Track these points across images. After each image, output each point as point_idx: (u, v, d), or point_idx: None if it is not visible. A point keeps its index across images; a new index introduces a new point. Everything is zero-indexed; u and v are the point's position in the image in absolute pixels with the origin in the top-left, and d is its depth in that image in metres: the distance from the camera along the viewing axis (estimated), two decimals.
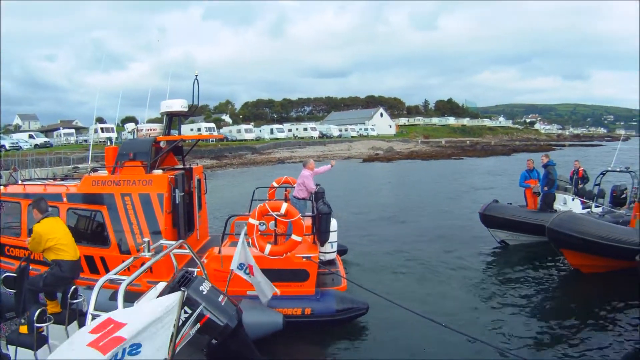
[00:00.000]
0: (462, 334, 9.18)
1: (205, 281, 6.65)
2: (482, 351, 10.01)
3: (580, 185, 21.88)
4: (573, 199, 20.28)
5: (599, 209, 20.51)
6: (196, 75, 13.02)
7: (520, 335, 11.29)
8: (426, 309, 11.65)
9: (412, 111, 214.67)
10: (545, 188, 18.80)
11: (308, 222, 12.73)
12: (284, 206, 11.35)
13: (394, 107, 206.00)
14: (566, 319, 12.24)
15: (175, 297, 5.24)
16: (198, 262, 7.52)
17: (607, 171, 22.44)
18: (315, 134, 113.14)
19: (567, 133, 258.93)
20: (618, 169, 22.08)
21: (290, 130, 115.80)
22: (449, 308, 12.76)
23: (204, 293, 6.36)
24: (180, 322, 5.73)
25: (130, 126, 14.49)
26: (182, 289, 5.91)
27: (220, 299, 6.59)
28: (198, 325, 6.20)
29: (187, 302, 5.98)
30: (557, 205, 19.45)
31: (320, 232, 12.18)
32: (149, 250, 6.54)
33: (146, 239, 6.73)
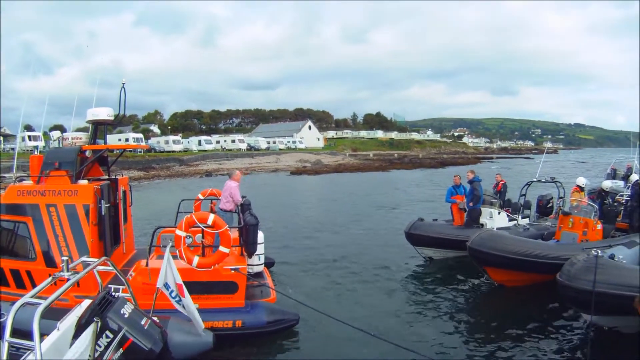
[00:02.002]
0: (391, 343, 9.33)
1: (127, 303, 6.53)
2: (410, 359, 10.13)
3: (507, 198, 22.24)
4: (499, 213, 20.50)
5: (526, 221, 20.91)
6: (123, 84, 12.81)
7: (446, 344, 11.55)
8: (355, 319, 11.77)
9: (341, 124, 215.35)
10: (471, 204, 19.01)
11: (235, 234, 12.60)
12: (211, 217, 11.29)
13: (322, 120, 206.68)
14: (490, 330, 12.58)
15: (86, 337, 5.20)
16: (123, 280, 7.43)
17: (533, 182, 22.76)
18: (243, 146, 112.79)
19: (494, 146, 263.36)
20: (543, 180, 22.48)
21: (218, 142, 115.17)
22: (377, 319, 12.85)
23: (126, 316, 6.21)
24: (103, 346, 5.69)
25: (55, 134, 14.06)
26: (95, 319, 5.80)
27: (143, 322, 6.48)
28: (121, 349, 6.08)
29: (107, 326, 5.88)
30: (484, 220, 19.73)
31: (248, 244, 12.11)
32: (67, 270, 6.20)
33: (65, 258, 6.41)
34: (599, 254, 11.09)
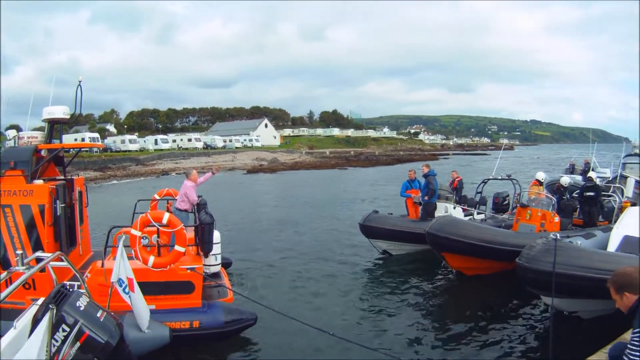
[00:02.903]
0: (351, 342, 9.26)
1: (83, 296, 6.39)
2: (372, 358, 10.11)
3: (463, 195, 22.34)
4: (454, 207, 20.55)
5: (481, 216, 21.04)
6: (80, 82, 12.60)
7: (408, 339, 11.52)
8: (314, 318, 11.79)
9: (297, 122, 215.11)
10: (426, 198, 19.09)
11: (191, 233, 12.51)
12: (166, 216, 11.17)
13: (279, 118, 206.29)
14: (452, 321, 12.69)
15: (41, 329, 5.10)
16: (78, 276, 7.29)
17: (489, 179, 23.05)
18: (200, 145, 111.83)
19: (451, 143, 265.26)
20: (500, 177, 22.69)
21: (174, 141, 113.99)
22: (336, 316, 12.86)
23: (81, 309, 6.04)
24: (60, 340, 5.57)
25: (11, 133, 13.76)
26: (50, 306, 5.67)
27: (99, 315, 6.34)
28: (78, 343, 5.94)
29: (63, 320, 5.75)
30: (439, 214, 19.44)
31: (203, 243, 11.96)
32: (22, 264, 6.09)
33: (19, 252, 6.30)
34: (558, 237, 11.18)
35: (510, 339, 11.57)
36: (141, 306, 9.66)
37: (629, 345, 4.81)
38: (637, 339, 4.70)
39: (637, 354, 4.67)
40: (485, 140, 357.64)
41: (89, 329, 6.00)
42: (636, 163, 27.27)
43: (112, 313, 6.96)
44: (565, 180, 20.51)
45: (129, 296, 9.55)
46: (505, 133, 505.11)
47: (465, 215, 20.56)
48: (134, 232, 10.76)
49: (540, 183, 19.73)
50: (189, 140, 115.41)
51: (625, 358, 4.79)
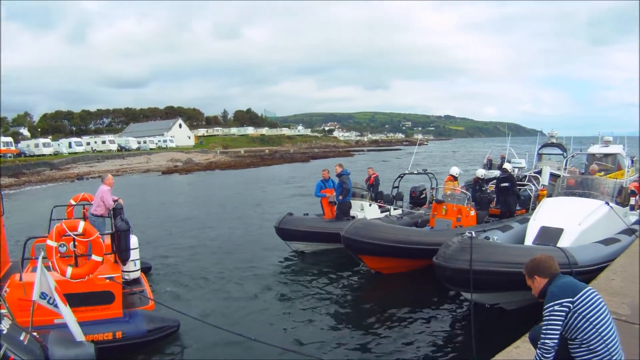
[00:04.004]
0: (273, 345, 9.18)
1: (5, 319, 6.21)
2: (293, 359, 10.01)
3: (380, 191, 22.38)
4: (370, 205, 20.61)
5: (398, 212, 21.06)
6: None
7: (329, 340, 11.36)
8: (234, 322, 11.74)
9: (211, 121, 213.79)
10: (341, 197, 18.97)
11: (109, 240, 12.16)
12: (81, 225, 10.59)
13: (193, 117, 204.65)
14: (374, 319, 12.58)
15: None
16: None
17: (405, 174, 23.15)
18: (114, 147, 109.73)
19: (365, 139, 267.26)
20: (416, 172, 22.81)
21: (88, 143, 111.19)
22: (256, 319, 12.62)
23: (4, 333, 5.92)
24: None
25: None
26: None
27: (22, 338, 6.19)
28: None
29: None
30: (355, 212, 19.68)
31: (120, 251, 11.53)
32: None
33: None
34: (473, 234, 11.31)
35: (434, 334, 11.58)
36: (71, 318, 9.44)
37: (542, 323, 5.20)
38: (547, 314, 5.08)
39: (546, 328, 5.06)
40: (400, 136, 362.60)
41: (13, 352, 5.84)
42: (551, 153, 27.97)
43: (35, 334, 6.79)
44: (481, 172, 20.70)
45: (58, 307, 9.32)
46: (420, 128, 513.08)
47: (382, 212, 20.73)
48: (50, 242, 10.34)
49: (454, 178, 19.90)
50: (103, 142, 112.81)
51: (541, 337, 5.16)
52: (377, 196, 21.99)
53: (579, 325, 4.95)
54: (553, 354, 5.03)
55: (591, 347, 4.95)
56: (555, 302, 5.01)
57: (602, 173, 21.18)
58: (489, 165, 32.89)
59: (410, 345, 11.07)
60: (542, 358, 5.06)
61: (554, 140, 28.07)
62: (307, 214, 20.16)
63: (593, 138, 28.00)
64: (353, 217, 18.63)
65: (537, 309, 6.07)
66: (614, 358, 4.97)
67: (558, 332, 5.00)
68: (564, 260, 11.22)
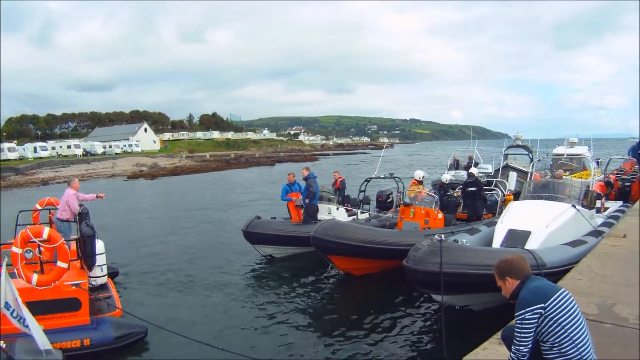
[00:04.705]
0: (240, 355, 9.09)
1: None
2: None
3: (346, 194, 22.44)
4: (338, 208, 20.70)
5: (365, 215, 21.24)
6: None
7: (300, 345, 11.27)
8: (201, 329, 11.67)
9: (177, 126, 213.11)
10: (307, 200, 19.08)
11: (74, 246, 11.96)
12: (46, 231, 10.42)
13: (158, 122, 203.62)
14: (345, 322, 12.63)
15: None
16: None
17: (372, 178, 23.26)
18: (79, 152, 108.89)
19: (331, 143, 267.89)
20: (382, 176, 22.94)
21: (54, 148, 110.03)
22: (224, 326, 12.47)
23: None
24: None
25: None
26: None
27: None
28: None
29: None
30: (322, 216, 19.70)
31: (86, 256, 11.45)
32: None
33: None
34: (443, 237, 11.36)
35: (405, 336, 11.65)
36: (35, 327, 9.28)
37: (515, 329, 5.23)
38: (519, 322, 5.10)
39: (520, 335, 5.10)
40: (365, 139, 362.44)
41: None
42: (517, 154, 28.21)
43: (2, 343, 6.69)
44: (446, 177, 21.00)
45: (21, 320, 9.15)
46: (385, 132, 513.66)
47: (349, 215, 20.80)
48: (15, 249, 10.21)
49: (419, 182, 19.96)
50: (69, 147, 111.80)
51: (515, 342, 5.21)
52: (343, 200, 22.06)
53: (551, 329, 4.98)
54: (527, 357, 5.08)
55: (562, 350, 4.98)
56: (527, 310, 5.03)
57: (568, 173, 21.35)
58: (456, 165, 33.03)
59: (382, 347, 11.09)
60: (514, 357, 5.13)
61: (520, 143, 28.24)
62: (275, 218, 20.10)
63: (559, 140, 28.24)
64: (320, 221, 18.58)
65: (506, 308, 6.11)
66: (585, 359, 5.00)
67: (531, 337, 5.04)
68: (532, 262, 11.31)
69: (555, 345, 5.01)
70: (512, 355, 5.18)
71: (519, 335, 5.08)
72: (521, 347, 5.06)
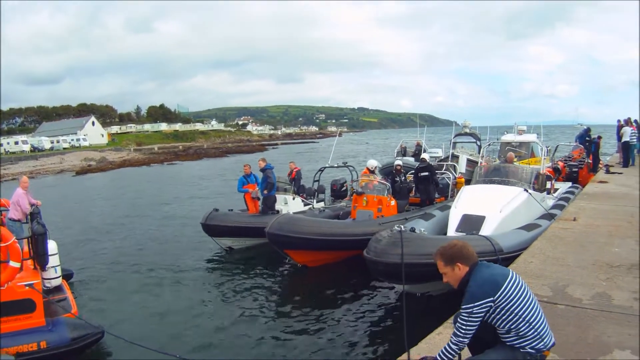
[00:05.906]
0: None
1: None
2: None
3: (302, 184, 22.61)
4: (294, 198, 20.89)
5: (321, 204, 21.51)
6: None
7: (261, 342, 11.28)
8: (158, 331, 11.84)
9: (125, 118, 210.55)
10: (265, 191, 19.18)
11: (26, 246, 11.74)
12: None
13: (106, 115, 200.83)
14: (306, 314, 12.79)
15: None
16: None
17: (325, 167, 23.48)
18: (27, 148, 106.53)
19: (279, 133, 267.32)
20: (336, 165, 23.09)
21: (0, 144, 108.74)
22: (181, 328, 12.24)
23: None
24: None
25: None
26: None
27: None
28: None
29: None
30: (279, 206, 19.91)
31: (38, 255, 11.20)
32: None
33: None
34: (402, 228, 11.42)
35: (366, 325, 11.83)
36: None
37: (459, 318, 5.11)
38: (466, 315, 4.99)
39: (465, 327, 5.00)
40: (314, 128, 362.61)
41: None
42: (465, 142, 28.49)
43: None
44: (398, 163, 21.19)
45: None
46: (333, 121, 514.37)
47: (305, 205, 21.01)
48: None
49: (370, 171, 20.15)
50: (16, 143, 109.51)
51: (459, 332, 5.11)
52: (299, 190, 22.21)
53: (505, 317, 4.96)
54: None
55: (520, 333, 4.98)
56: (475, 305, 4.95)
57: (517, 159, 21.60)
58: (403, 153, 33.29)
59: (343, 337, 11.26)
60: (456, 348, 5.11)
61: (467, 130, 28.53)
62: (232, 210, 20.07)
63: (509, 127, 28.54)
64: (278, 211, 18.81)
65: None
66: (545, 339, 5.03)
67: (475, 329, 5.02)
68: (489, 248, 11.78)
69: (513, 329, 4.99)
70: (453, 347, 5.10)
71: (464, 327, 5.00)
72: (465, 340, 5.05)
